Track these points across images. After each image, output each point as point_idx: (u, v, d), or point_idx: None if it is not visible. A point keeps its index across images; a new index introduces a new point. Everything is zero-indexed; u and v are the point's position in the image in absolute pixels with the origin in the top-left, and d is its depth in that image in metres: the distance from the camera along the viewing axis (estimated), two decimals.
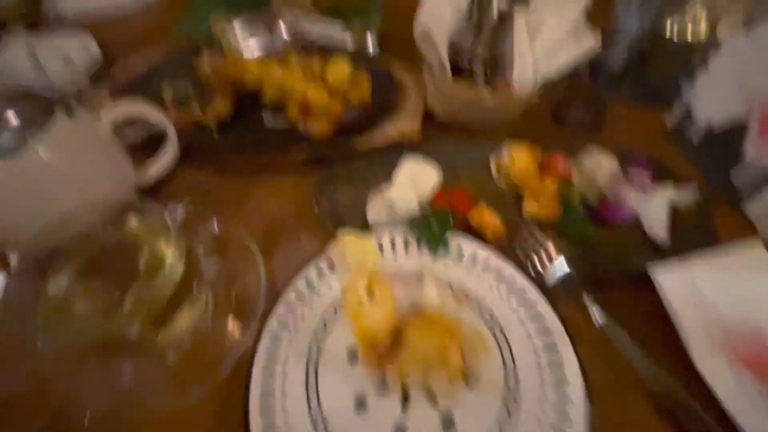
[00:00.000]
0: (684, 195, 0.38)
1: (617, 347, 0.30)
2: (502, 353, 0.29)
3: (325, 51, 0.51)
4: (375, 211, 0.38)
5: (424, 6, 0.44)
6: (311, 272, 0.33)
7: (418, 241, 0.35)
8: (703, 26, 0.45)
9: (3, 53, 0.51)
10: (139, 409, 0.30)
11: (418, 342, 0.27)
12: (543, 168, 0.40)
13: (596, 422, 0.26)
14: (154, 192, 0.41)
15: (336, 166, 0.42)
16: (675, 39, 0.46)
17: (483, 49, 0.43)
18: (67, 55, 0.50)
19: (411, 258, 0.34)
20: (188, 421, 0.29)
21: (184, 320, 0.31)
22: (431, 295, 0.31)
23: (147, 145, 0.42)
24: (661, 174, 0.41)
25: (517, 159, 0.40)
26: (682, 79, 0.47)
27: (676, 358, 0.30)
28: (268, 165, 0.44)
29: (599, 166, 0.39)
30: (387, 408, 0.28)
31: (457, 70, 0.44)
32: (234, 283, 0.34)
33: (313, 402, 0.28)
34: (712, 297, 0.31)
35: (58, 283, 0.28)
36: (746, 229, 0.39)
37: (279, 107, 0.47)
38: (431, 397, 0.27)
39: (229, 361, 0.30)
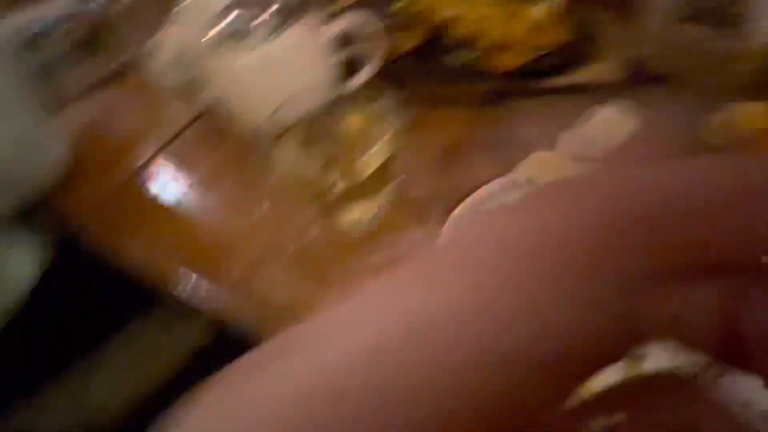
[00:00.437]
0: None
1: None
2: None
3: None
4: (567, 145, 0.36)
5: None
6: (496, 186, 0.33)
7: None
8: None
9: None
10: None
11: None
12: None
13: None
14: None
15: (520, 99, 0.41)
16: None
17: None
18: None
19: None
20: None
21: (372, 203, 0.34)
22: None
23: None
24: None
25: (753, 118, 0.33)
26: None
27: None
28: (446, 96, 0.44)
29: None
30: None
31: None
32: (414, 186, 0.36)
33: None
34: None
35: (288, 148, 0.32)
36: None
37: (465, 42, 0.47)
38: None
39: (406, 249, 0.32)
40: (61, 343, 0.52)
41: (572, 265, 0.06)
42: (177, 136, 0.51)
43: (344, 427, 0.06)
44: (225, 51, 0.37)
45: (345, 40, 0.41)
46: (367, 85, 0.32)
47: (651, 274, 0.06)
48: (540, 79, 0.42)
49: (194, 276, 0.36)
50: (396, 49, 0.47)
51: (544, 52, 0.43)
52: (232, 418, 0.06)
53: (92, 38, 0.67)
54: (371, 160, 0.29)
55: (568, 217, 0.06)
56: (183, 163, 0.49)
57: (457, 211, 0.31)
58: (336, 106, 0.34)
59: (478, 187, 0.33)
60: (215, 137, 0.50)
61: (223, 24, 0.38)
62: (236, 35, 0.37)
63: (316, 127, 0.34)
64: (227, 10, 0.38)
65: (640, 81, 0.41)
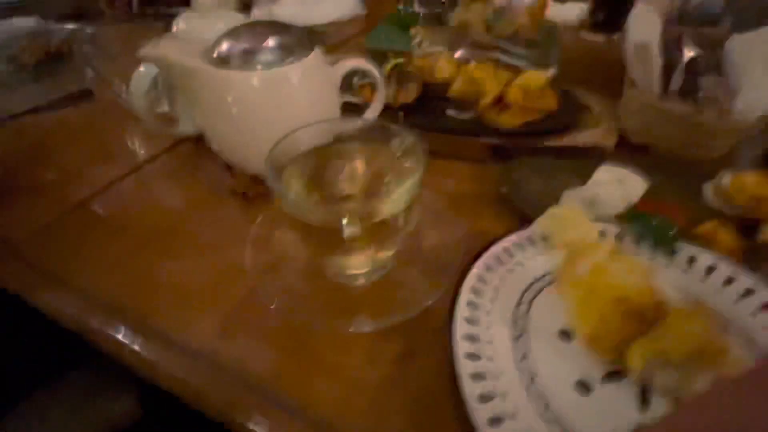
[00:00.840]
0: None
1: None
2: None
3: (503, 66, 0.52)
4: (571, 204, 0.35)
5: (633, 24, 0.44)
6: (509, 243, 0.31)
7: (638, 239, 0.31)
8: None
9: None
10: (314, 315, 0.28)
11: (682, 328, 0.22)
12: None
13: None
14: None
15: (522, 156, 0.41)
16: None
17: (706, 67, 0.41)
18: None
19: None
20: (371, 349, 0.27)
21: (381, 254, 0.30)
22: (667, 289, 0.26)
23: None
24: None
25: (748, 184, 0.35)
26: None
27: None
28: (448, 149, 0.44)
29: None
30: (619, 401, 0.22)
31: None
32: (423, 238, 0.33)
33: (525, 373, 0.24)
34: None
35: (291, 184, 0.28)
36: None
37: (463, 100, 0.48)
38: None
39: (419, 304, 0.28)
40: None
41: None
42: (145, 163, 0.45)
43: None
44: (217, 80, 0.34)
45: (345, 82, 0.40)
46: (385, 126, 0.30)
47: None
48: (540, 139, 0.43)
49: (141, 335, 0.29)
50: (397, 98, 0.47)
51: (541, 116, 0.45)
52: None
53: (50, 61, 0.63)
54: (386, 206, 0.26)
55: None
56: (148, 192, 0.43)
57: (475, 269, 0.28)
58: (343, 143, 0.31)
59: (492, 242, 0.31)
60: (190, 168, 0.45)
61: (218, 52, 0.35)
62: (233, 65, 0.35)
63: (323, 164, 0.30)
64: (223, 39, 0.35)
65: (627, 149, 0.44)
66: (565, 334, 0.26)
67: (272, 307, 0.29)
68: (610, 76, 0.50)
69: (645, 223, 0.31)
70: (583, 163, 0.40)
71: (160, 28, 0.61)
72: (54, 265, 0.35)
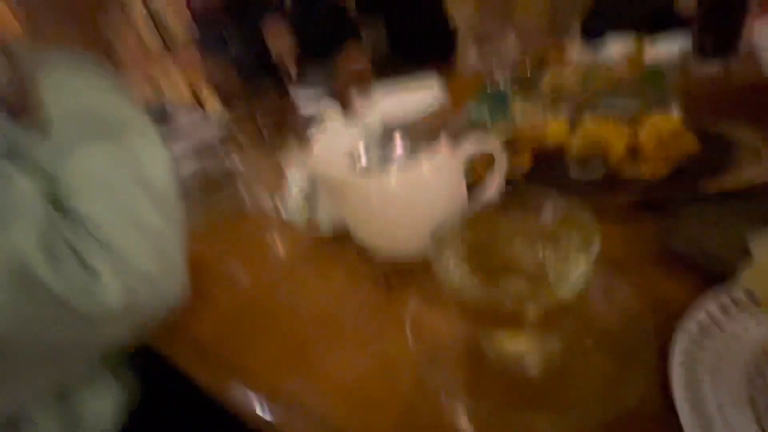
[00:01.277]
0: None
1: None
2: None
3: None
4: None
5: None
6: (710, 308, 0.27)
7: None
8: None
9: None
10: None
11: None
12: None
13: None
14: None
15: (678, 207, 0.37)
16: None
17: None
18: None
19: None
20: None
21: (551, 336, 0.28)
22: None
23: None
24: None
25: None
26: None
27: None
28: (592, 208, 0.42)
29: None
30: None
31: None
32: (596, 314, 0.30)
33: None
34: None
35: (450, 266, 0.29)
36: None
37: (587, 159, 0.47)
38: None
39: (616, 396, 0.25)
40: None
41: None
42: (296, 263, 0.51)
43: None
44: (361, 187, 0.38)
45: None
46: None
47: None
48: (696, 184, 0.39)
49: None
50: (512, 170, 0.48)
51: (685, 160, 0.42)
52: None
53: (211, 187, 0.76)
54: (564, 288, 0.25)
55: None
56: (303, 287, 0.47)
57: (679, 345, 0.25)
58: (493, 220, 0.32)
59: (684, 309, 0.27)
60: (333, 263, 0.50)
61: (359, 161, 0.40)
62: (372, 171, 0.39)
63: (479, 244, 0.31)
64: (361, 149, 0.41)
65: None
66: None
67: (443, 400, 0.28)
68: (751, 103, 0.46)
69: None
70: (754, 203, 0.35)
71: (290, 147, 0.72)
72: (232, 358, 0.39)
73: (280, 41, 1.30)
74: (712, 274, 0.30)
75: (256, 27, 1.34)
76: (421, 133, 0.40)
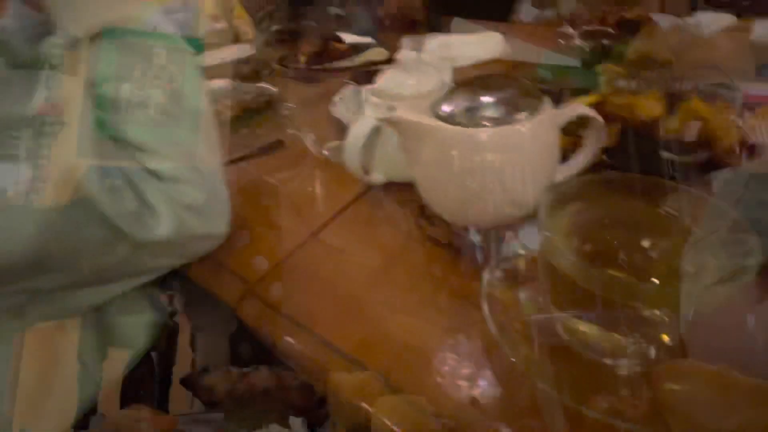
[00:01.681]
0: None
1: None
2: None
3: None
4: None
5: None
6: None
7: None
8: None
9: None
10: None
11: None
12: None
13: None
14: None
15: None
16: None
17: None
18: None
19: None
20: None
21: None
22: None
23: None
24: None
25: None
26: None
27: None
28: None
29: None
30: None
31: None
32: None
33: None
34: None
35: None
36: None
37: (682, 141, 0.43)
38: None
39: None
40: None
41: None
42: (342, 210, 0.48)
43: None
44: (446, 136, 0.34)
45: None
46: None
47: None
48: None
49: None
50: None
51: None
52: None
53: (245, 116, 0.72)
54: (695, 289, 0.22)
55: None
56: (351, 236, 0.45)
57: None
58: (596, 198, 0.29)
59: None
60: (382, 215, 0.47)
61: (444, 109, 0.36)
62: (459, 121, 0.35)
63: (586, 221, 0.28)
64: (451, 96, 0.36)
65: None
66: None
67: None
68: None
69: None
70: None
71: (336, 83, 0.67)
72: (289, 307, 0.37)
73: None
74: None
75: None
76: (505, 90, 0.35)
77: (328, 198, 0.51)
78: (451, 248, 0.40)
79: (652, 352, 0.26)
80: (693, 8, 0.78)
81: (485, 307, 0.30)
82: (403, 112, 0.35)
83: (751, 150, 0.39)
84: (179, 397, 0.48)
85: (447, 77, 0.48)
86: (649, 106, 0.45)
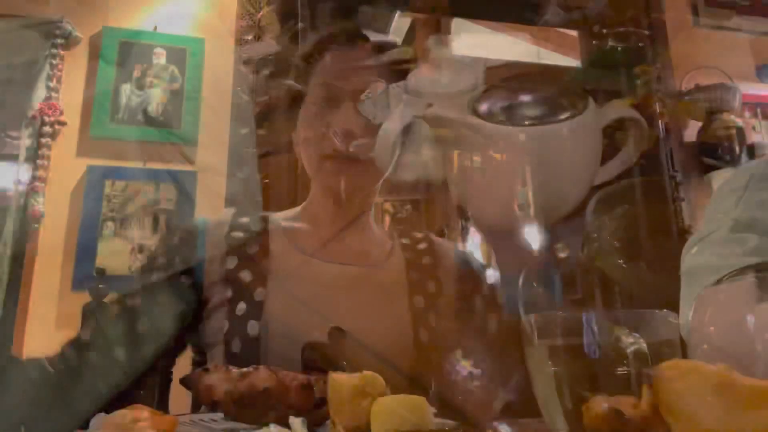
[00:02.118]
0: None
1: None
2: None
3: None
4: None
5: None
6: None
7: None
8: None
9: None
10: None
11: None
12: None
13: None
14: None
15: None
16: None
17: None
18: None
19: None
20: None
21: None
22: None
23: None
24: None
25: None
26: None
27: None
28: None
29: None
30: None
31: None
32: None
33: None
34: None
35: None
36: None
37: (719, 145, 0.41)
38: None
39: None
40: None
41: None
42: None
43: None
44: (483, 133, 0.34)
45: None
46: None
47: None
48: None
49: None
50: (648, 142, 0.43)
51: None
52: None
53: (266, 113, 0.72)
54: None
55: None
56: None
57: None
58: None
59: None
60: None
61: (482, 106, 0.35)
62: (497, 119, 0.34)
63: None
64: (489, 92, 0.36)
65: None
66: None
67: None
68: None
69: None
70: None
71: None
72: None
73: None
74: None
75: None
76: (569, 91, 0.34)
77: None
78: None
79: (652, 352, 0.26)
80: (693, 8, 0.76)
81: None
82: (440, 109, 0.35)
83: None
84: (179, 397, 0.48)
85: (480, 76, 0.48)
86: (691, 111, 0.44)
